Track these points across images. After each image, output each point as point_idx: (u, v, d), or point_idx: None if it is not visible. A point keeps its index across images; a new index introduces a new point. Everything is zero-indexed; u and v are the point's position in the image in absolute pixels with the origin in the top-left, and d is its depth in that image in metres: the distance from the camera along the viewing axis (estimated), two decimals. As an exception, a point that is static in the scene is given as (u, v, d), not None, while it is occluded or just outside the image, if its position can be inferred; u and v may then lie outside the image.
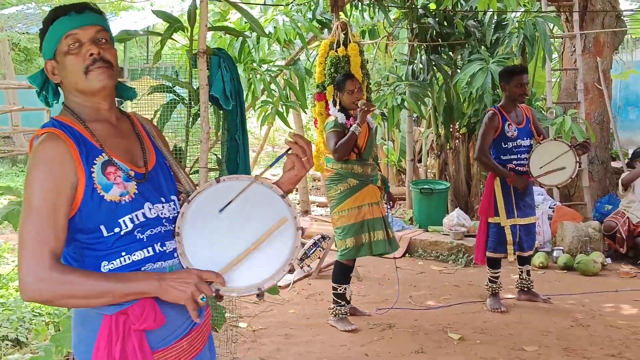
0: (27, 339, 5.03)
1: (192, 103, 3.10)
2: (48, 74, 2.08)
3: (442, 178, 9.16)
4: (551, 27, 8.86)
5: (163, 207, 2.12)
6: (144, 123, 2.28)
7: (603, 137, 9.24)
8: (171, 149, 3.27)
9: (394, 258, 6.69)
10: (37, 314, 5.43)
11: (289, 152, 2.15)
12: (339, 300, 5.56)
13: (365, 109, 5.29)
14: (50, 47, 2.05)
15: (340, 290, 5.56)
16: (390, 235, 5.61)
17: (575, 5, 8.80)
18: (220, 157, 3.19)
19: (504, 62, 7.98)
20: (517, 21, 8.57)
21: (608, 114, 9.32)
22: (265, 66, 7.14)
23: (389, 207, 6.01)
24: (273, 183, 2.14)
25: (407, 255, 7.79)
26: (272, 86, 6.87)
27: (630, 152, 9.85)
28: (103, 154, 2.02)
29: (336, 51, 6.62)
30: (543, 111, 8.66)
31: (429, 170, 10.32)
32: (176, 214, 2.12)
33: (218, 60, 3.01)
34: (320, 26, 8.42)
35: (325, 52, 6.72)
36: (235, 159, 3.15)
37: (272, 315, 5.88)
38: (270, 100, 7.21)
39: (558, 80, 10.56)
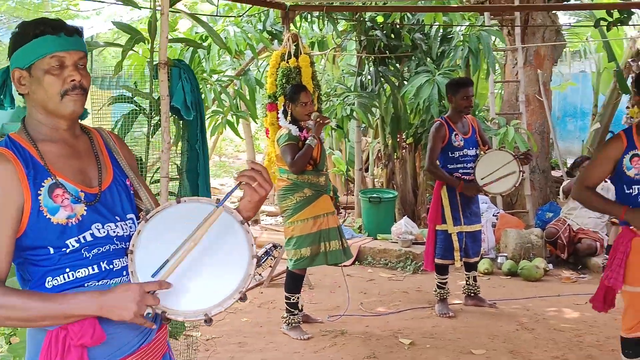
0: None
1: (153, 114, 3.13)
2: (14, 81, 2.03)
3: (390, 187, 9.20)
4: (494, 41, 9.01)
5: (116, 225, 2.08)
6: (106, 139, 2.23)
7: (543, 146, 9.38)
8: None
9: (343, 266, 6.73)
10: (-11, 325, 5.36)
11: (240, 184, 2.10)
12: (292, 310, 5.57)
13: (320, 121, 5.31)
14: (29, 58, 1.98)
15: (292, 299, 5.57)
16: (345, 245, 5.63)
17: (517, 19, 8.95)
18: (180, 166, 3.23)
19: (449, 74, 8.10)
20: (462, 34, 8.67)
21: (548, 124, 9.48)
22: (215, 76, 7.12)
23: (340, 214, 6.09)
24: (234, 209, 2.10)
25: (356, 263, 7.81)
26: (223, 96, 6.84)
27: (569, 161, 10.13)
28: (50, 177, 1.99)
29: (287, 62, 6.67)
30: (487, 122, 8.80)
31: (376, 180, 10.38)
32: (132, 232, 2.09)
33: (179, 71, 3.04)
34: (270, 37, 8.45)
35: (277, 63, 6.75)
36: (195, 168, 3.19)
37: (225, 324, 5.83)
38: (221, 110, 7.23)
39: (500, 91, 10.75)
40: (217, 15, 7.82)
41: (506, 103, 9.64)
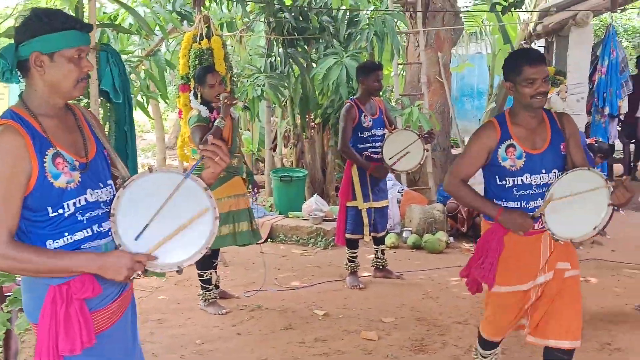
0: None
1: (82, 97, 3.17)
2: (31, 62, 2.16)
3: (299, 166, 9.28)
4: (397, 24, 9.13)
5: (101, 191, 2.31)
6: (85, 114, 2.42)
7: (444, 126, 9.63)
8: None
9: (259, 244, 6.79)
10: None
11: (203, 157, 2.38)
12: (207, 286, 5.61)
13: (228, 102, 5.16)
14: (55, 46, 2.16)
15: (205, 276, 5.59)
16: (254, 226, 5.67)
17: (418, 3, 9.13)
18: (110, 145, 3.27)
19: (356, 56, 8.20)
20: (367, 18, 8.87)
21: (448, 104, 9.76)
22: (124, 57, 7.05)
23: (254, 194, 6.15)
24: (197, 177, 2.35)
25: (269, 240, 7.86)
26: (132, 76, 6.78)
27: (467, 139, 10.47)
28: (52, 147, 2.18)
29: (200, 44, 6.70)
30: (392, 102, 9.03)
31: (284, 159, 10.46)
32: (112, 197, 2.31)
33: (106, 55, 3.10)
34: (180, 18, 8.41)
35: (189, 45, 6.72)
36: (124, 149, 3.26)
37: (142, 302, 5.78)
38: (132, 92, 7.18)
39: (403, 73, 10.98)
40: (127, -3, 7.72)
41: (409, 84, 9.84)
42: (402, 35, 9.68)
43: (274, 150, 10.11)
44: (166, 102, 9.69)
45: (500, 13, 9.17)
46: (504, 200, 3.49)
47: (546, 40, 11.64)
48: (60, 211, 2.18)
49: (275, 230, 8.06)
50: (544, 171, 3.42)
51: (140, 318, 5.33)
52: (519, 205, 3.42)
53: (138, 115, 11.42)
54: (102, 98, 3.16)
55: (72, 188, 2.19)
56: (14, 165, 2.09)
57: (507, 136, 3.45)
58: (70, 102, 2.37)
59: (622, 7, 11.00)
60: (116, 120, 3.34)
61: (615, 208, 3.43)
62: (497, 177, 3.49)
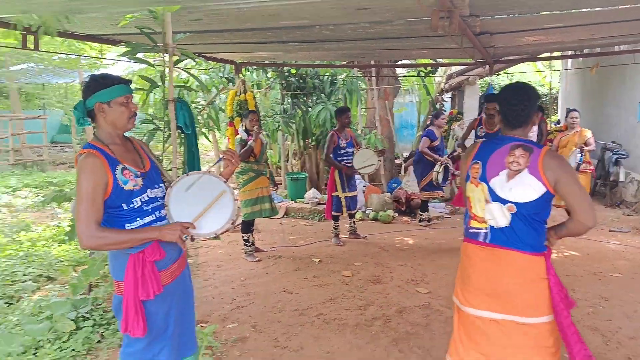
0: (55, 276, 4.80)
1: (166, 129, 3.13)
2: (95, 110, 2.11)
3: (303, 171, 9.21)
4: (360, 84, 9.19)
5: (157, 190, 2.22)
6: (139, 142, 2.34)
7: (390, 146, 9.46)
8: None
9: (279, 218, 6.78)
10: (60, 260, 5.17)
11: (223, 158, 2.31)
12: (247, 244, 5.60)
13: (258, 131, 5.39)
14: (110, 96, 2.09)
15: (245, 237, 5.60)
16: (274, 206, 5.66)
17: (373, 72, 9.06)
18: (183, 160, 3.25)
19: (336, 104, 8.24)
20: (342, 80, 8.91)
21: (392, 133, 9.60)
22: (193, 105, 7.03)
23: (275, 187, 6.15)
24: (218, 174, 2.28)
25: (285, 216, 7.82)
26: (199, 117, 6.76)
27: (405, 154, 10.45)
28: (120, 164, 2.10)
29: (239, 97, 6.67)
30: (358, 132, 9.03)
31: (294, 167, 10.45)
32: (164, 194, 2.23)
33: (180, 104, 3.07)
34: (227, 81, 8.40)
35: (233, 97, 6.71)
36: (192, 162, 3.22)
37: (208, 254, 5.79)
38: (198, 125, 7.13)
39: (365, 114, 10.97)
40: (195, 68, 7.69)
41: (369, 121, 9.75)
42: (363, 90, 9.65)
43: (287, 161, 10.05)
44: (220, 132, 9.66)
45: (423, 77, 9.18)
46: None
47: (452, 93, 11.64)
48: (132, 205, 2.10)
49: (289, 210, 7.99)
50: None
51: (205, 265, 5.44)
52: None
53: (203, 140, 11.45)
54: (178, 131, 3.10)
55: (137, 190, 2.12)
56: (96, 178, 2.01)
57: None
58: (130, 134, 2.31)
59: (496, 73, 10.98)
60: (187, 144, 3.28)
61: None
62: None
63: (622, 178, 8.08)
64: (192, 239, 2.19)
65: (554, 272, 2.16)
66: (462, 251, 2.36)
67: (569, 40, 5.13)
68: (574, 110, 6.84)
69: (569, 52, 9.16)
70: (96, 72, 2.92)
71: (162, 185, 2.27)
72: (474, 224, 2.27)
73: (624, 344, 3.49)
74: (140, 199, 2.13)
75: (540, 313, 2.13)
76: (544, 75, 13.98)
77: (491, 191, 2.19)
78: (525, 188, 2.11)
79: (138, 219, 2.12)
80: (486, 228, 2.22)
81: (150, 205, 2.17)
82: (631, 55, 6.25)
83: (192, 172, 2.27)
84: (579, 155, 6.46)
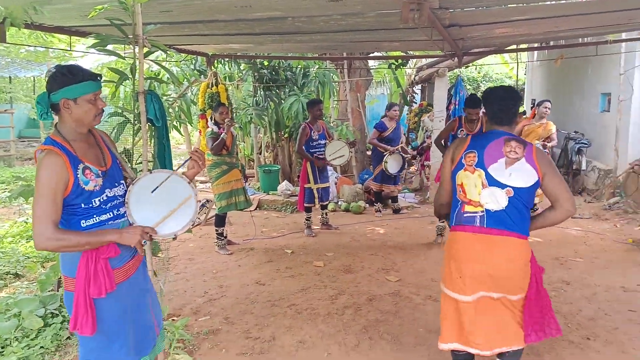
0: (22, 273, 4.69)
1: (136, 122, 3.08)
2: (60, 105, 2.01)
3: (275, 163, 9.20)
4: (332, 76, 9.19)
5: (117, 189, 2.15)
6: (102, 135, 2.25)
7: (362, 138, 9.58)
8: (122, 151, 3.25)
9: (251, 211, 6.77)
10: (28, 257, 5.05)
11: (190, 158, 2.27)
12: (220, 237, 5.58)
13: (230, 124, 5.33)
14: (78, 93, 2.01)
15: (219, 231, 5.57)
16: (247, 198, 5.62)
17: (345, 64, 9.13)
18: (153, 153, 3.21)
19: (308, 96, 8.21)
20: (314, 72, 8.90)
21: (364, 125, 9.75)
22: (164, 97, 6.91)
23: (245, 181, 6.13)
24: (183, 174, 2.23)
25: (258, 208, 7.82)
26: (170, 110, 6.66)
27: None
28: (82, 163, 2.02)
29: (211, 89, 6.60)
30: (331, 124, 9.05)
31: (266, 159, 10.41)
32: (125, 192, 2.17)
33: (150, 96, 3.02)
34: (199, 73, 8.29)
35: (205, 90, 6.63)
36: (163, 155, 3.18)
37: (178, 248, 5.74)
38: (169, 118, 7.02)
39: (337, 106, 11.00)
40: (166, 61, 7.56)
41: (340, 113, 9.81)
42: (336, 83, 9.67)
43: (260, 154, 10.01)
44: (191, 125, 9.54)
45: (394, 69, 9.25)
46: None
47: (422, 85, 11.78)
48: (90, 205, 2.03)
49: (262, 202, 7.98)
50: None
51: (178, 257, 5.41)
52: None
53: (174, 134, 11.28)
54: (148, 123, 3.06)
55: (97, 190, 2.05)
56: (57, 177, 1.94)
57: None
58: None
59: (465, 65, 11.15)
60: (158, 137, 3.24)
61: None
62: None
63: (584, 166, 8.37)
64: (150, 239, 2.14)
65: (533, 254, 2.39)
66: (453, 240, 2.44)
67: (535, 33, 5.25)
68: (547, 101, 6.97)
69: (535, 45, 9.37)
70: (52, 66, 2.83)
71: (122, 182, 2.19)
72: (468, 208, 2.38)
73: (583, 325, 3.64)
74: (99, 200, 2.06)
75: (522, 291, 2.36)
76: (511, 67, 14.26)
77: (489, 177, 2.34)
78: (523, 174, 2.30)
79: (95, 216, 2.05)
80: (482, 211, 2.34)
81: (109, 204, 2.09)
82: (594, 47, 6.44)
83: (156, 170, 2.22)
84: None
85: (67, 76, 2.00)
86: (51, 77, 2.02)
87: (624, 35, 6.75)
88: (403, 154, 7.02)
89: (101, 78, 2.10)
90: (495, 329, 2.36)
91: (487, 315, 2.37)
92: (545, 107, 6.81)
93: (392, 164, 6.94)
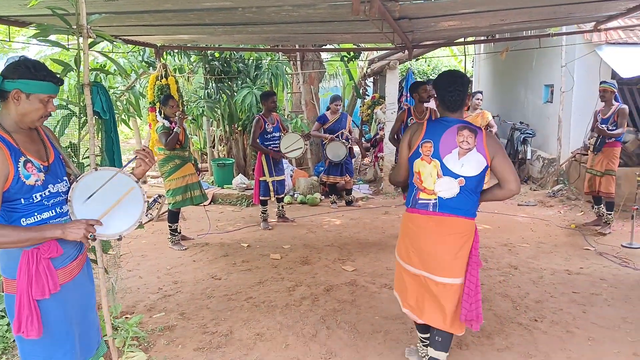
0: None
1: (82, 115, 2.97)
2: (11, 95, 1.93)
3: (229, 156, 9.12)
4: (285, 68, 9.19)
5: (60, 185, 2.08)
6: (45, 130, 2.17)
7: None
8: (68, 145, 3.13)
9: (204, 205, 6.67)
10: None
11: (136, 157, 2.17)
12: (173, 233, 5.50)
13: (182, 117, 5.23)
14: (34, 90, 1.94)
15: (173, 227, 5.49)
16: (203, 192, 5.56)
17: (298, 56, 9.13)
18: (101, 147, 3.11)
19: (261, 88, 8.18)
20: (267, 64, 8.85)
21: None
22: (111, 90, 6.69)
23: (199, 173, 6.04)
24: (130, 173, 2.18)
25: (212, 203, 7.75)
26: (117, 103, 6.46)
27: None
28: (23, 156, 1.95)
29: (161, 81, 6.45)
30: (285, 116, 9.04)
31: (220, 153, 10.29)
32: (68, 189, 2.10)
33: (97, 88, 2.92)
34: (147, 65, 8.07)
35: (154, 82, 6.48)
36: (111, 149, 3.08)
37: (129, 245, 5.60)
38: (117, 112, 6.81)
39: (291, 99, 11.01)
40: (113, 52, 7.31)
41: (295, 105, 9.82)
42: (289, 75, 9.66)
43: (213, 147, 9.88)
44: (141, 119, 9.30)
45: (346, 62, 9.32)
46: None
47: (374, 78, 11.92)
48: (30, 200, 1.95)
49: (216, 196, 7.91)
50: None
51: (130, 254, 5.27)
52: None
53: (123, 128, 10.91)
54: (95, 117, 2.97)
55: (39, 185, 1.97)
56: None
57: None
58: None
59: (415, 58, 11.39)
60: (105, 130, 3.14)
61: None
62: None
63: (529, 156, 8.76)
64: (94, 239, 2.04)
65: (477, 233, 2.61)
66: (409, 219, 2.65)
67: (481, 26, 5.44)
68: (479, 92, 7.31)
69: (482, 38, 9.69)
70: (15, 56, 2.70)
71: (65, 179, 2.12)
72: (423, 195, 2.58)
73: (530, 308, 3.84)
74: (41, 195, 1.98)
75: (449, 275, 2.56)
76: (459, 60, 14.68)
77: (443, 167, 2.52)
78: (474, 164, 2.49)
79: (36, 214, 1.97)
80: (435, 199, 2.55)
81: (51, 201, 2.01)
82: (537, 40, 6.73)
83: (102, 168, 2.16)
84: None
85: (30, 70, 1.94)
86: (13, 64, 1.94)
87: (564, 29, 7.10)
88: (345, 142, 7.08)
89: (62, 83, 2.05)
90: (424, 302, 2.63)
91: (421, 288, 2.64)
92: (478, 99, 7.20)
93: (330, 151, 7.05)
